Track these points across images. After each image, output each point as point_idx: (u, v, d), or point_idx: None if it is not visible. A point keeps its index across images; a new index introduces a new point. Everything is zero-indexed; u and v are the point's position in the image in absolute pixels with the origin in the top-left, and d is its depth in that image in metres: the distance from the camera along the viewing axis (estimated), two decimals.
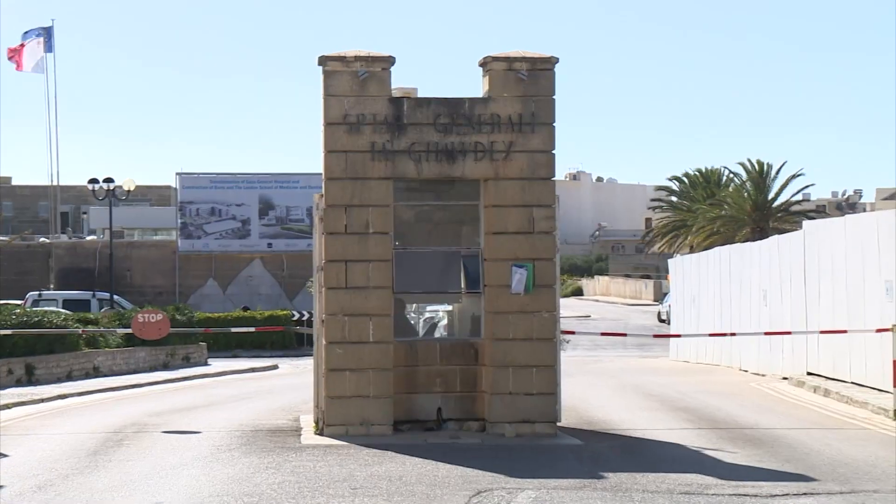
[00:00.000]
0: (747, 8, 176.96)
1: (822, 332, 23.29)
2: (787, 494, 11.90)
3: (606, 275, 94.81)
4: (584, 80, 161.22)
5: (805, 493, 11.97)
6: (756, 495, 11.84)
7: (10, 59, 53.74)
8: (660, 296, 66.74)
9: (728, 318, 31.34)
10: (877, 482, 12.74)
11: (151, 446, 16.09)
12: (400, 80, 17.43)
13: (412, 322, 18.07)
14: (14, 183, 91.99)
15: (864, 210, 76.38)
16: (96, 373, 29.53)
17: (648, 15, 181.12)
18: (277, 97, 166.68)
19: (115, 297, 48.18)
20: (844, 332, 21.85)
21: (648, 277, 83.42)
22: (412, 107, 17.23)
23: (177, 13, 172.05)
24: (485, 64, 17.37)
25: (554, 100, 17.26)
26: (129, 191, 51.74)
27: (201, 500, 11.73)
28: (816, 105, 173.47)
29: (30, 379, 26.73)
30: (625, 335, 36.09)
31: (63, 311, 39.06)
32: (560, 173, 17.85)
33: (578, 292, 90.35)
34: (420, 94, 17.64)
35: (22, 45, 54.18)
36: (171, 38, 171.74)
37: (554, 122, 17.25)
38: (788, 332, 25.26)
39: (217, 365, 34.30)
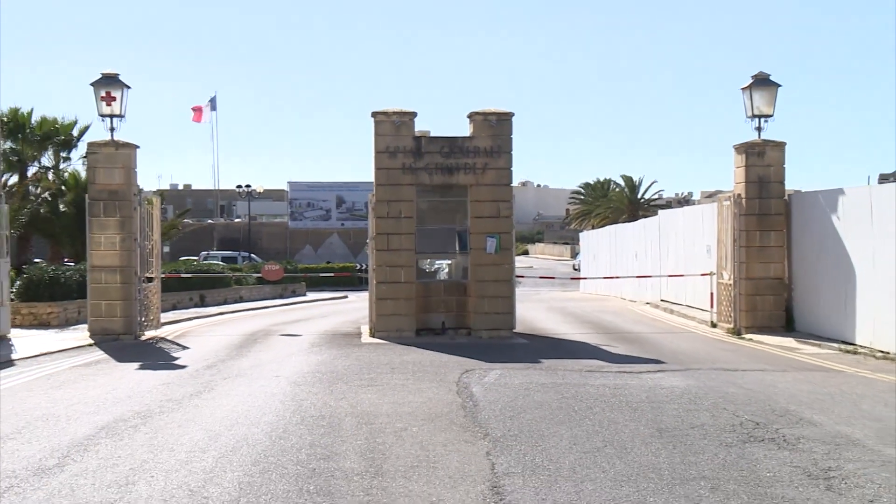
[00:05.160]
0: (626, 60, 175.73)
1: (669, 275, 23.38)
2: (649, 371, 11.92)
3: (542, 242, 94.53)
4: (535, 119, 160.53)
5: (659, 371, 12.00)
6: (630, 372, 11.86)
7: (193, 118, 53.88)
8: (574, 255, 66.49)
9: (614, 268, 31.43)
10: (699, 363, 12.80)
11: (273, 343, 16.13)
12: (419, 125, 17.33)
13: (427, 270, 18.06)
14: (193, 188, 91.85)
15: (694, 204, 76.23)
16: (240, 300, 29.64)
17: (582, 72, 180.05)
18: (350, 133, 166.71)
19: (252, 255, 48.31)
20: (682, 275, 21.92)
21: (567, 244, 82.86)
22: (427, 142, 17.14)
23: (285, 75, 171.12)
24: (470, 116, 17.28)
25: (511, 137, 17.15)
26: (259, 192, 52.19)
27: (303, 375, 11.74)
28: (672, 132, 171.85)
29: (202, 303, 26.85)
30: (553, 278, 36.01)
31: (221, 263, 39.29)
32: (515, 181, 17.69)
33: (525, 252, 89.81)
34: (432, 134, 17.53)
35: (199, 108, 54.40)
36: (280, 91, 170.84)
37: (511, 150, 17.15)
38: (650, 276, 25.37)
39: (311, 296, 34.39)
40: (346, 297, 34.81)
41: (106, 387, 10.96)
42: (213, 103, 57.13)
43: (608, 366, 12.60)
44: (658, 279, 25.08)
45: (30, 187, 30.26)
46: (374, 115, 16.97)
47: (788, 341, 15.44)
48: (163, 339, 17.11)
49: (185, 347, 15.59)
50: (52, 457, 7.16)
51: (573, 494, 5.98)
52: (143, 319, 17.37)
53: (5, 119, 28.04)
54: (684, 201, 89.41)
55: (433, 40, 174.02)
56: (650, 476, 6.45)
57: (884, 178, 64.93)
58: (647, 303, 25.81)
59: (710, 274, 18.78)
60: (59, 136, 30.48)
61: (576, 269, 51.72)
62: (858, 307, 14.55)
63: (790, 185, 17.71)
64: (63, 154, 31.14)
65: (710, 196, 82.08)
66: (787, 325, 16.98)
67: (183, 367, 12.87)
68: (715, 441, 7.63)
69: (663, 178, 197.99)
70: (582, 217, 79.62)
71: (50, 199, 30.44)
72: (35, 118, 30.04)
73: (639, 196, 72.97)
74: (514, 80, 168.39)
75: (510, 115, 17.15)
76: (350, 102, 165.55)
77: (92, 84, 17.10)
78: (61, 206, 30.13)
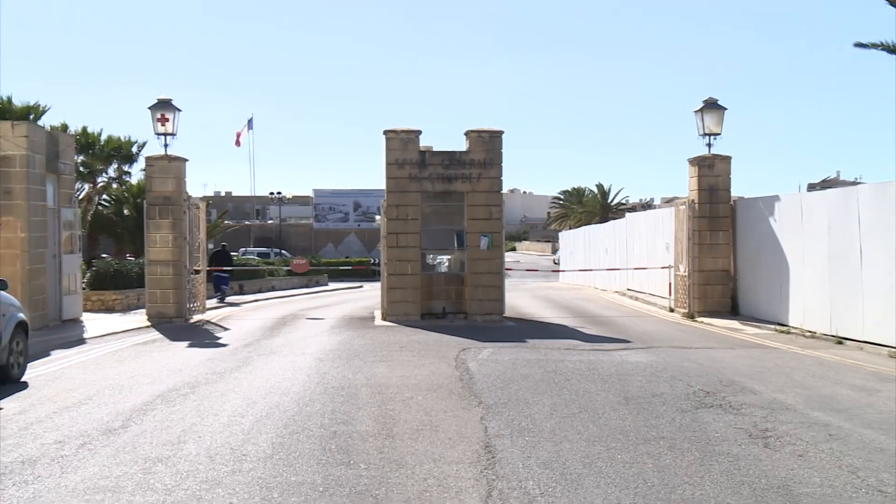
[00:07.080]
0: (599, 83, 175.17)
1: (635, 268, 23.35)
2: (618, 349, 11.90)
3: (528, 240, 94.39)
4: (522, 133, 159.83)
5: (626, 349, 11.99)
6: (602, 350, 11.84)
7: (236, 143, 53.60)
8: (554, 251, 66.32)
9: (588, 262, 31.36)
10: (660, 342, 12.76)
11: (300, 326, 16.09)
12: (423, 141, 17.20)
13: (430, 263, 18.02)
14: (233, 194, 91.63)
15: (655, 208, 76.15)
16: (273, 289, 29.45)
17: (572, 93, 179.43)
18: (365, 147, 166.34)
19: (282, 251, 48.24)
20: (645, 268, 21.90)
21: (549, 242, 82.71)
22: (430, 155, 17.08)
23: (311, 98, 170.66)
24: (467, 133, 17.21)
25: (502, 152, 17.08)
26: (289, 198, 52.23)
27: (325, 352, 11.71)
28: (638, 145, 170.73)
29: (241, 291, 26.72)
30: (537, 271, 35.98)
31: (256, 258, 39.22)
32: (504, 188, 17.62)
33: (513, 249, 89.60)
34: (434, 149, 17.44)
35: (238, 133, 54.38)
36: (307, 111, 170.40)
37: (501, 162, 17.07)
38: (619, 269, 25.32)
39: (332, 286, 34.25)
40: (361, 286, 34.74)
41: (161, 361, 10.96)
42: (250, 123, 57.21)
43: (583, 344, 12.58)
44: (625, 271, 25.05)
45: (98, 195, 30.36)
46: (386, 132, 16.93)
47: (733, 323, 15.44)
48: (208, 321, 17.08)
49: (226, 329, 15.56)
50: (117, 419, 7.16)
51: (553, 453, 5.97)
52: (191, 305, 17.36)
53: (78, 137, 28.01)
54: (647, 205, 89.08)
55: (435, 67, 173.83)
56: (618, 437, 6.45)
57: (812, 187, 64.88)
58: (616, 291, 25.75)
59: (669, 267, 18.76)
60: (123, 152, 30.50)
61: (556, 264, 51.54)
62: (791, 295, 14.54)
63: (735, 191, 17.68)
64: (125, 167, 31.16)
65: (668, 201, 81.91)
66: (733, 310, 16.98)
67: (225, 345, 12.85)
68: (672, 407, 7.62)
69: (629, 186, 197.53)
70: (561, 219, 79.57)
71: (115, 204, 30.68)
72: (103, 137, 30.10)
73: (609, 201, 73.05)
74: (503, 100, 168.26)
75: (500, 132, 17.10)
76: (366, 121, 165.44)
77: (149, 108, 17.10)
78: (124, 211, 30.31)
